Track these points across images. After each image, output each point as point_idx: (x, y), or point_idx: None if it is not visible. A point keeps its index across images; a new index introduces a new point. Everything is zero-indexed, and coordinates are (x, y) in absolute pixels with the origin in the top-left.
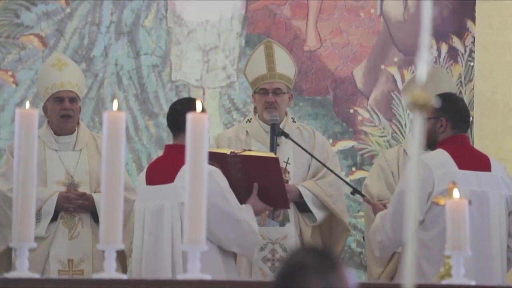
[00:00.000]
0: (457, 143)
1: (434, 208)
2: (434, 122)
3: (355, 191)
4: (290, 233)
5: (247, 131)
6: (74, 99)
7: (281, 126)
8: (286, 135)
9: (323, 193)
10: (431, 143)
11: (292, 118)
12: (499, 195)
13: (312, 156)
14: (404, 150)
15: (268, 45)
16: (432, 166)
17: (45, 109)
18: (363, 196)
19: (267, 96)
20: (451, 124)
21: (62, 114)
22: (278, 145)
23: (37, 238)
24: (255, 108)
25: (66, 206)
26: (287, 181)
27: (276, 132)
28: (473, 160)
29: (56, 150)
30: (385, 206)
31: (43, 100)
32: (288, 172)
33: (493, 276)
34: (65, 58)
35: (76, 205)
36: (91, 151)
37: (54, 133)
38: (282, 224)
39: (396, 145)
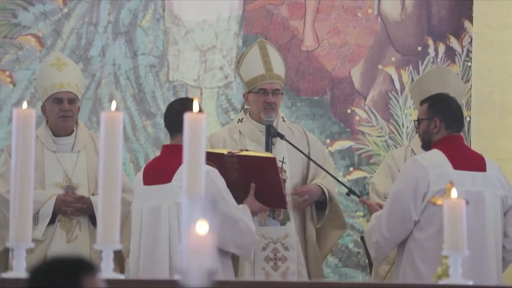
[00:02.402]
0: (452, 143)
1: (429, 208)
2: (427, 123)
3: (350, 191)
4: (291, 232)
5: (240, 131)
6: (73, 100)
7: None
8: (282, 136)
9: (333, 192)
10: (426, 144)
11: (282, 117)
12: (494, 195)
13: (307, 157)
14: (412, 150)
15: (262, 45)
16: (427, 166)
17: (43, 109)
18: (358, 196)
19: (267, 97)
20: (445, 124)
21: (61, 115)
22: (273, 144)
23: (35, 241)
24: (244, 108)
25: (64, 210)
26: (284, 180)
27: (272, 133)
28: (468, 160)
29: (54, 152)
30: (380, 207)
31: (42, 100)
32: (285, 171)
33: (489, 276)
34: (65, 57)
35: (74, 209)
36: (89, 152)
37: (53, 134)
38: (283, 223)
39: (394, 145)
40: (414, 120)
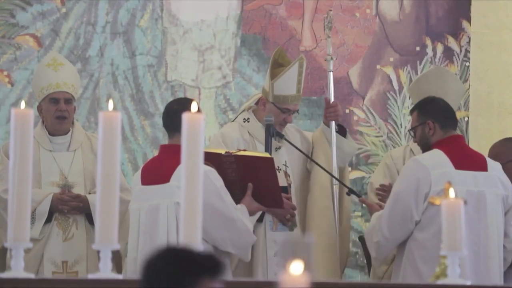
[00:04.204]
0: (453, 143)
1: (430, 209)
2: (422, 128)
3: (350, 191)
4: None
5: (248, 132)
6: (69, 100)
7: None
8: (281, 136)
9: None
10: (426, 150)
11: None
12: (496, 194)
13: (307, 156)
14: (411, 150)
15: (301, 63)
16: (428, 166)
17: (39, 109)
18: (358, 196)
19: (289, 116)
20: (439, 124)
21: (57, 115)
22: (279, 148)
23: (31, 240)
24: (247, 108)
25: (60, 208)
26: (290, 185)
27: (271, 133)
28: (469, 160)
29: (50, 151)
30: (380, 207)
31: (38, 100)
32: (289, 176)
33: (491, 275)
34: (61, 58)
35: (70, 207)
36: (85, 151)
37: (49, 134)
38: (291, 229)
39: (392, 145)
40: (408, 130)
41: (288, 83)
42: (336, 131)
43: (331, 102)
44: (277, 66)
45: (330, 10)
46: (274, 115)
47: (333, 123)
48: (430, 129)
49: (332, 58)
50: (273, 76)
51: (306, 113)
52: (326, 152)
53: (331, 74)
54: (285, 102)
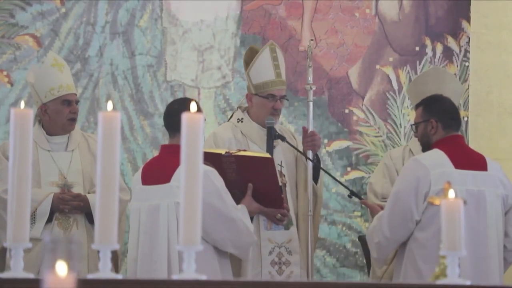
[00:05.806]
0: (453, 143)
1: (430, 208)
2: (424, 126)
3: (352, 193)
4: (293, 236)
5: (241, 132)
6: (77, 101)
7: None
8: (283, 138)
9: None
10: (426, 147)
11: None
12: (496, 194)
13: (308, 158)
14: (410, 150)
15: (272, 48)
16: (428, 166)
17: (43, 109)
18: (360, 198)
19: (276, 103)
20: (441, 124)
21: (70, 117)
22: (275, 147)
23: (32, 240)
24: (241, 106)
25: (61, 208)
26: (285, 185)
27: (273, 136)
28: (469, 160)
29: (48, 151)
30: (382, 208)
31: (44, 100)
32: (284, 175)
33: (491, 275)
34: (60, 58)
35: (71, 206)
36: (83, 151)
37: (47, 133)
38: (286, 227)
39: (392, 145)
40: (411, 125)
41: (263, 69)
42: (314, 161)
43: (309, 132)
44: (251, 60)
45: (312, 40)
46: (262, 106)
47: (310, 153)
48: (433, 128)
49: (311, 88)
50: (247, 67)
51: (305, 113)
52: (305, 180)
53: (311, 104)
54: (265, 88)
